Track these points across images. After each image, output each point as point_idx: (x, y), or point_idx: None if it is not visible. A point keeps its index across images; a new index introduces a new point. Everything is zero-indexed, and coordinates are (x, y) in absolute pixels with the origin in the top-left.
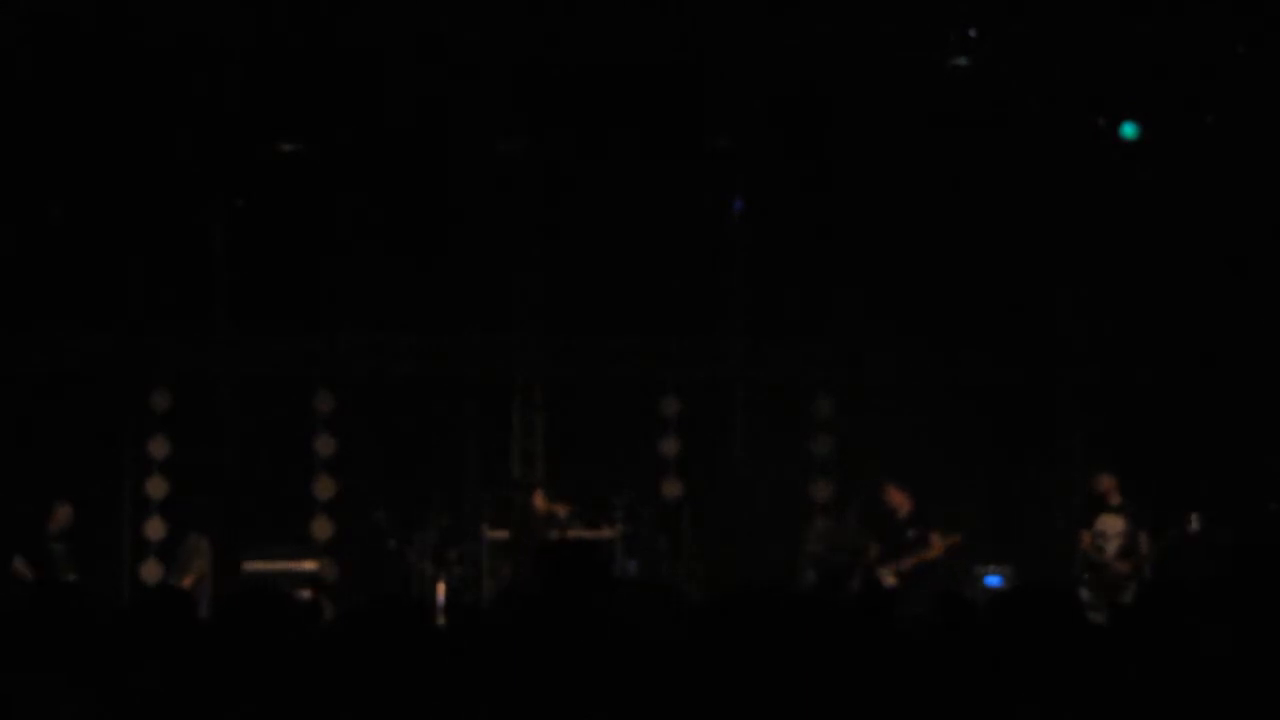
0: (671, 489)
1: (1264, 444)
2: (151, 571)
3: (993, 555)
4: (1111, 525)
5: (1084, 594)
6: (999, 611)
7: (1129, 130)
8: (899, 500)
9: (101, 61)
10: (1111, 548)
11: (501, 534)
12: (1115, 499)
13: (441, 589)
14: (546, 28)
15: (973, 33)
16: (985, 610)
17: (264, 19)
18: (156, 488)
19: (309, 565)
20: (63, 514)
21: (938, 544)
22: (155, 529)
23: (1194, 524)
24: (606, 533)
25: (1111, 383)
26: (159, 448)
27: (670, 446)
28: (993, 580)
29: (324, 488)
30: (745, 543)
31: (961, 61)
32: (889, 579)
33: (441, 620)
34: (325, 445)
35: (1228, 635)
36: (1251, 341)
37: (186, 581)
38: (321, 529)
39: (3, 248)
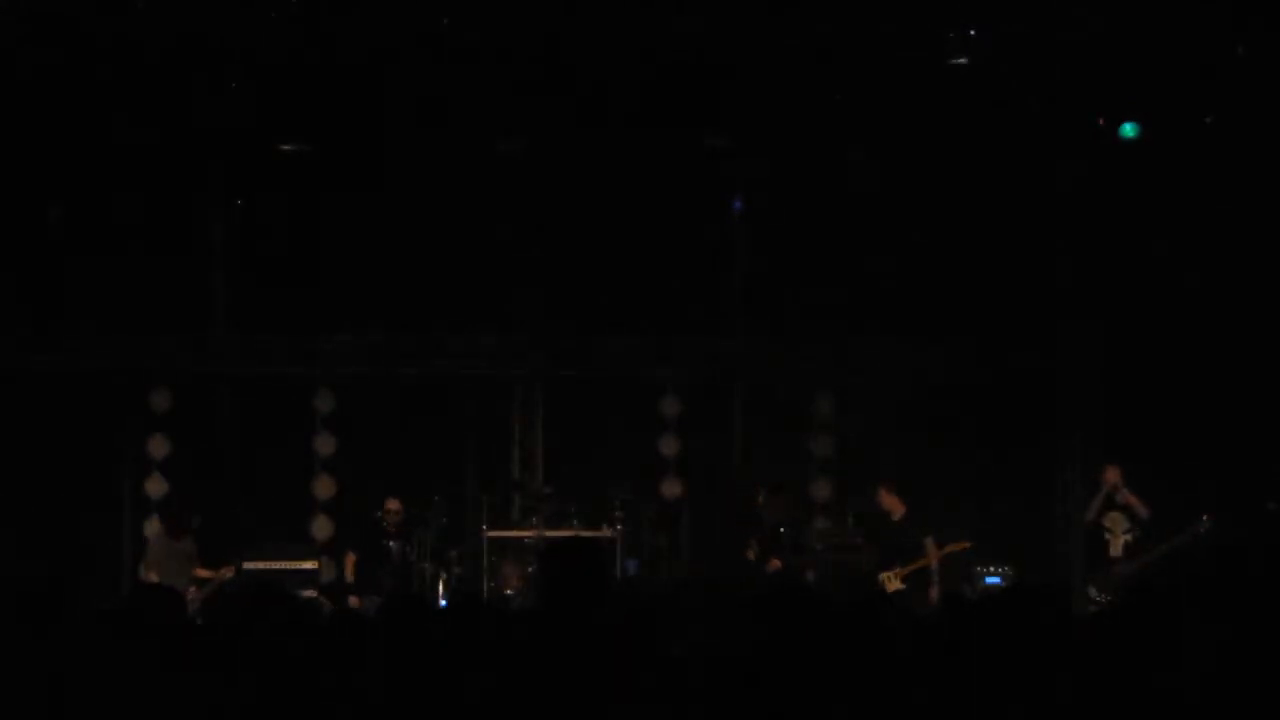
0: (671, 489)
1: (1264, 444)
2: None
3: (993, 556)
4: (1118, 522)
5: (1091, 591)
6: (990, 611)
7: (1129, 130)
8: (891, 503)
9: (102, 61)
10: (1117, 544)
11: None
12: (1122, 495)
13: (442, 589)
14: (546, 28)
15: (973, 33)
16: (978, 609)
17: (264, 19)
18: (156, 487)
19: (309, 565)
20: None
21: (933, 551)
22: (155, 529)
23: (1204, 525)
24: (606, 533)
25: (1112, 383)
26: (159, 448)
27: (670, 446)
28: (993, 581)
29: (324, 488)
30: (745, 543)
31: (961, 61)
32: (895, 584)
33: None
34: (325, 445)
35: (1223, 634)
36: (1252, 341)
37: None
38: (321, 529)
39: (3, 248)
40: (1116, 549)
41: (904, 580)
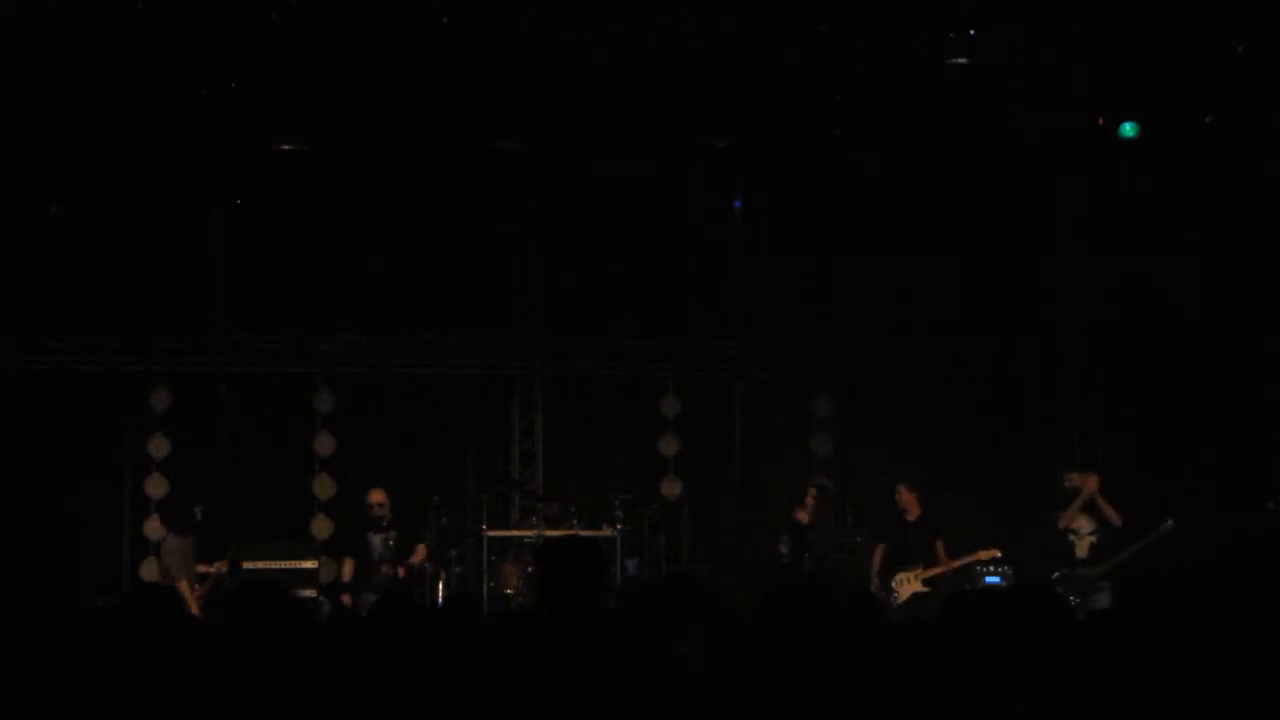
0: (671, 489)
1: (1264, 444)
2: (151, 570)
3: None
4: (1085, 525)
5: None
6: (990, 611)
7: (1129, 130)
8: (909, 502)
9: (101, 60)
10: (1083, 546)
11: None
12: (1096, 498)
13: (441, 589)
14: (547, 27)
15: (973, 33)
16: (978, 609)
17: (264, 19)
18: (156, 487)
19: (309, 565)
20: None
21: (943, 554)
22: (155, 528)
23: (1168, 527)
24: (606, 532)
25: (1112, 383)
26: (159, 447)
27: (670, 446)
28: (993, 581)
29: (324, 487)
30: (745, 543)
31: (961, 61)
32: (915, 585)
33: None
34: (325, 445)
35: (1225, 632)
36: (1252, 341)
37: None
38: (321, 529)
39: (3, 247)
40: (1083, 550)
41: (925, 583)
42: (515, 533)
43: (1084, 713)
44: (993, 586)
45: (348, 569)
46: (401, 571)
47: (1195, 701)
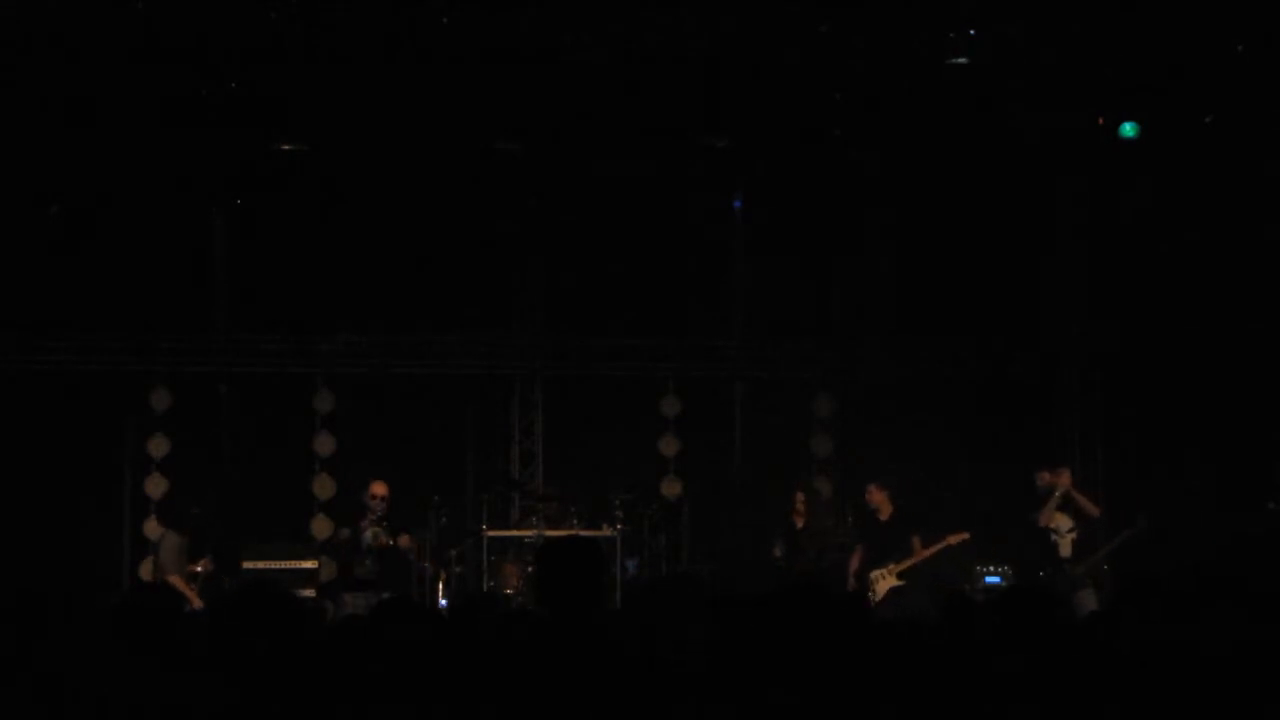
0: (671, 489)
1: (1264, 444)
2: (151, 570)
3: (993, 555)
4: (1063, 522)
5: None
6: (992, 611)
7: (1129, 130)
8: (880, 501)
9: (101, 61)
10: (1066, 544)
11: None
12: (1071, 493)
13: (441, 589)
14: (547, 27)
15: (973, 33)
16: (980, 610)
17: (264, 19)
18: (156, 487)
19: (309, 565)
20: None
21: (919, 549)
22: (154, 528)
23: (1142, 521)
24: (606, 532)
25: (1112, 383)
26: (159, 447)
27: (670, 446)
28: (993, 580)
29: (324, 487)
30: (745, 543)
31: (961, 61)
32: (890, 581)
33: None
34: (325, 445)
35: (1227, 632)
36: (1251, 341)
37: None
38: (321, 528)
39: (3, 247)
40: (1066, 549)
41: (900, 576)
42: (515, 533)
43: (1084, 713)
44: (992, 586)
45: (344, 534)
46: (386, 540)
47: (1195, 701)
